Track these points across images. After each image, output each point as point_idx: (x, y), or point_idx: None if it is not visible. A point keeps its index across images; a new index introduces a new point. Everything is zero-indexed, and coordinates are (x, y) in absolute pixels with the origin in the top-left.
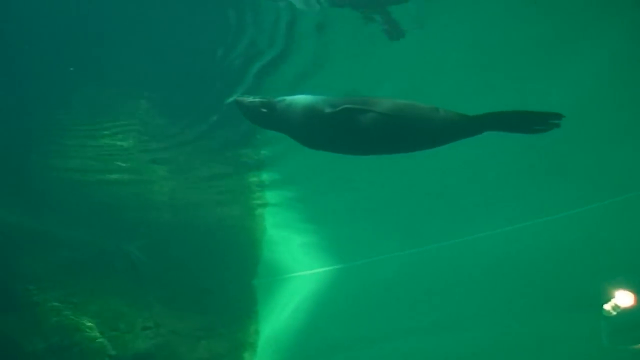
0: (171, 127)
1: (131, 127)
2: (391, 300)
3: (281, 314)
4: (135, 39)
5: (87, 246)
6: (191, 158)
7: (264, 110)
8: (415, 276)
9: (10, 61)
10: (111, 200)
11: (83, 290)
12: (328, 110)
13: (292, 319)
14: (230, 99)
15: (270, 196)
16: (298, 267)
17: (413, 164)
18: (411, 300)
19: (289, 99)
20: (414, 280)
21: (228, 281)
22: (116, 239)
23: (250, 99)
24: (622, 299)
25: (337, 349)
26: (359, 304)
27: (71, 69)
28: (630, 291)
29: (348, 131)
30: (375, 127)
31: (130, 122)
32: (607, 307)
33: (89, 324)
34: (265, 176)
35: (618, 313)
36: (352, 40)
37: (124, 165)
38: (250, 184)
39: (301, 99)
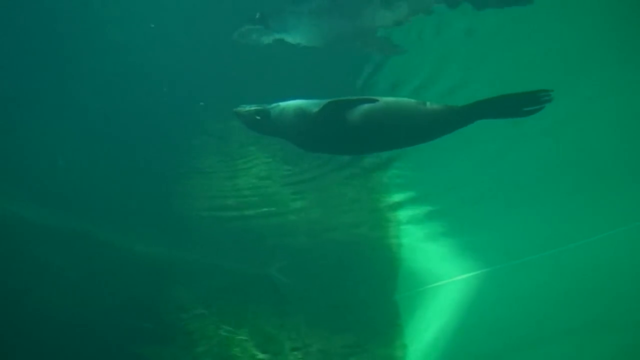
0: (307, 159)
1: (268, 163)
2: (542, 302)
3: (426, 325)
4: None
5: (231, 274)
6: (326, 185)
7: (258, 117)
8: (566, 275)
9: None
10: (251, 230)
11: (232, 316)
12: (316, 110)
13: (437, 329)
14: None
15: (405, 211)
16: (438, 277)
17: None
18: (565, 300)
19: (282, 104)
20: (566, 279)
21: (370, 298)
22: (258, 264)
23: (247, 108)
24: None
25: (489, 358)
26: (509, 308)
27: (201, 103)
28: None
29: (338, 129)
30: (363, 123)
31: (266, 158)
32: None
33: (240, 349)
34: (398, 195)
35: None
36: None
37: (260, 199)
38: (383, 202)
39: (293, 103)
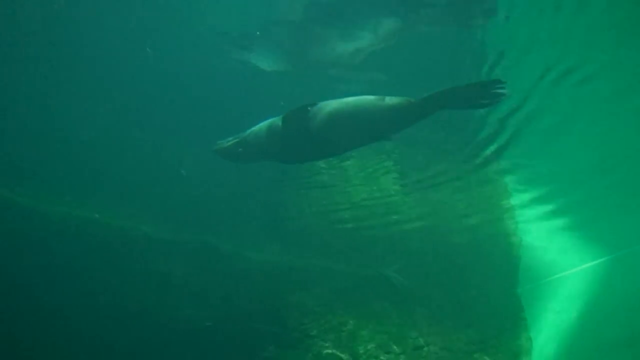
0: (423, 161)
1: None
2: None
3: (551, 317)
4: None
5: (350, 276)
6: (437, 182)
7: (240, 149)
8: None
9: None
10: (367, 235)
11: (353, 317)
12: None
13: (563, 320)
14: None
15: (520, 201)
16: (561, 267)
17: None
18: None
19: (254, 128)
20: None
21: (491, 292)
22: (375, 266)
23: (225, 143)
24: None
25: (618, 347)
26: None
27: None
28: None
29: (305, 136)
30: (327, 126)
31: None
32: None
33: (363, 350)
34: (512, 182)
35: None
36: None
37: (376, 206)
38: (498, 192)
39: (263, 123)
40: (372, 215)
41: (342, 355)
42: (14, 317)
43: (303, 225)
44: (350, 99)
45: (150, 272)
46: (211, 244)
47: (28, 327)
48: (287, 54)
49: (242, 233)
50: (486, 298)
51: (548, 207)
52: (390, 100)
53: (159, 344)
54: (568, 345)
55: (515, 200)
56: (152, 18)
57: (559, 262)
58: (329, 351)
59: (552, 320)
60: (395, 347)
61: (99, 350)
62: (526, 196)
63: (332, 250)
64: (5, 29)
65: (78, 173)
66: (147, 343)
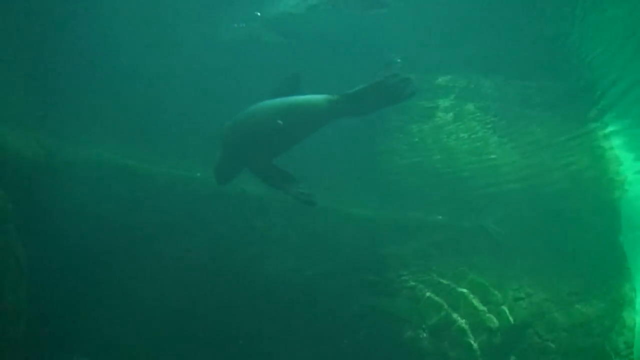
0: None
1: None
2: None
3: None
4: None
5: (446, 228)
6: (532, 124)
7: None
8: None
9: None
10: (461, 181)
11: (451, 270)
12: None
13: None
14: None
15: (621, 146)
16: None
17: None
18: None
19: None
20: None
21: (591, 242)
22: (473, 217)
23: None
24: None
25: None
26: None
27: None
28: None
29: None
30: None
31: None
32: None
33: (463, 301)
34: (613, 125)
35: None
36: None
37: (471, 154)
38: (597, 136)
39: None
40: (470, 167)
41: (441, 302)
42: (135, 272)
43: (399, 179)
44: (284, 98)
45: (250, 228)
46: None
47: (149, 280)
48: None
49: (340, 189)
50: (588, 247)
51: None
52: (315, 98)
53: (263, 296)
54: None
55: (620, 150)
56: None
57: None
58: (428, 295)
59: None
60: (495, 298)
61: (206, 304)
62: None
63: (429, 202)
64: None
65: (179, 136)
66: (249, 297)
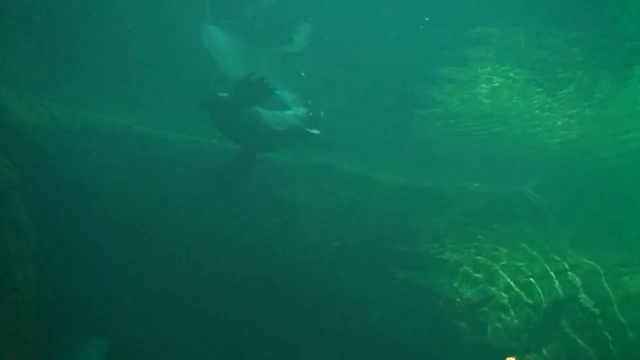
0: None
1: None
2: None
3: None
4: None
5: (483, 196)
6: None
7: None
8: None
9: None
10: (499, 150)
11: (488, 240)
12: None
13: None
14: None
15: None
16: None
17: None
18: None
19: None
20: None
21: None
22: (511, 183)
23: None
24: None
25: None
26: None
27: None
28: None
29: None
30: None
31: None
32: None
33: (501, 274)
34: None
35: None
36: None
37: (506, 109)
38: None
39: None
40: (508, 129)
41: (478, 275)
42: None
43: (434, 145)
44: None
45: (272, 197)
46: (333, 166)
47: (165, 255)
48: None
49: (368, 155)
50: (635, 216)
51: None
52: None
53: (284, 270)
54: None
55: None
56: None
57: None
58: (464, 270)
59: None
60: (537, 270)
61: (226, 280)
62: None
63: (465, 168)
64: None
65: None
66: (272, 270)
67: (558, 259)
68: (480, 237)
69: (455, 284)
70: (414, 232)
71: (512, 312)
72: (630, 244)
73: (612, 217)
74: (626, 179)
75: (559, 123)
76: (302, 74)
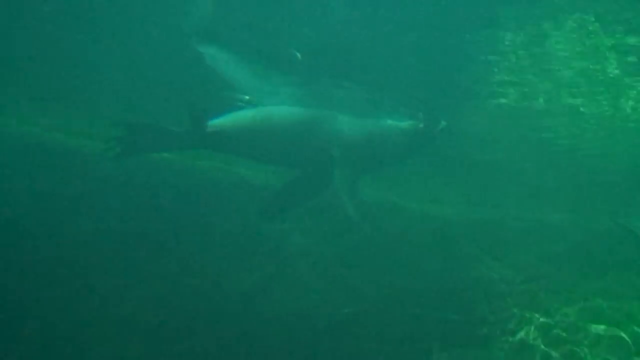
0: None
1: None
2: None
3: None
4: None
5: (570, 232)
6: None
7: None
8: None
9: None
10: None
11: (579, 299)
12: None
13: None
14: None
15: None
16: None
17: None
18: None
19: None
20: None
21: None
22: (612, 214)
23: None
24: None
25: None
26: None
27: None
28: None
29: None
30: None
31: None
32: None
33: (599, 351)
34: None
35: None
36: None
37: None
38: None
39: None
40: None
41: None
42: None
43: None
44: None
45: (254, 239)
46: None
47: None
48: None
49: (397, 174)
50: None
51: None
52: None
53: (270, 347)
54: None
55: None
56: None
57: None
58: (542, 346)
59: None
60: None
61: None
62: None
63: (543, 193)
64: None
65: None
66: (252, 348)
67: None
68: (567, 294)
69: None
70: (463, 289)
71: None
72: None
73: None
74: None
75: None
76: None
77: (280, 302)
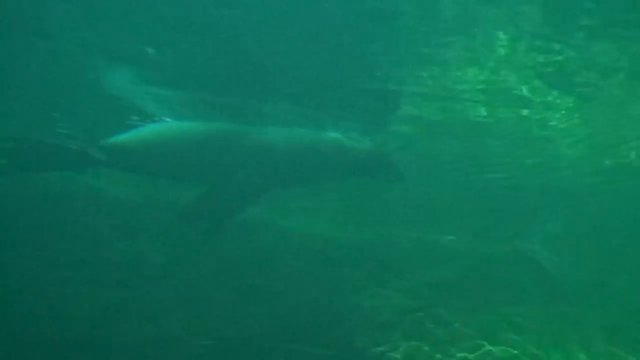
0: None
1: None
2: None
3: None
4: None
5: (465, 256)
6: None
7: None
8: None
9: None
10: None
11: (475, 325)
12: None
13: None
14: None
15: None
16: None
17: None
18: None
19: None
20: None
21: None
22: (511, 238)
23: None
24: None
25: None
26: None
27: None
28: None
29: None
30: None
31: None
32: None
33: None
34: None
35: None
36: None
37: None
38: None
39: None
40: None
41: None
42: None
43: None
44: None
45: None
46: None
47: None
48: None
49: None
50: None
51: None
52: None
53: None
54: None
55: None
56: None
57: None
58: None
59: None
60: None
61: None
62: None
63: (435, 212)
64: None
65: None
66: None
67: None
68: (457, 325)
69: None
70: (344, 319)
71: None
72: None
73: None
74: None
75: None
76: None
77: (132, 329)
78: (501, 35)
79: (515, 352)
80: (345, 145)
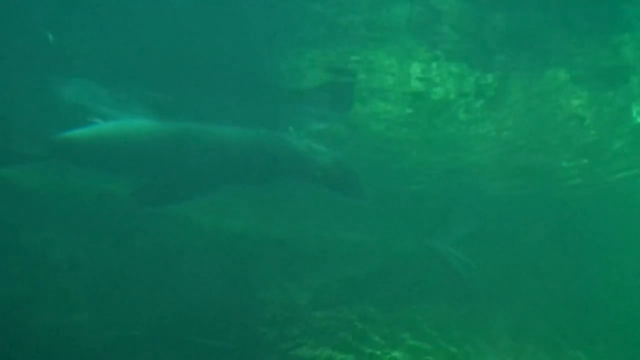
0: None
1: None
2: None
3: None
4: None
5: (372, 254)
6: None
7: None
8: None
9: None
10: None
11: (379, 328)
12: None
13: None
14: None
15: None
16: None
17: None
18: None
19: None
20: None
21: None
22: (421, 235)
23: None
24: None
25: None
26: None
27: None
28: None
29: None
30: None
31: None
32: None
33: None
34: None
35: None
36: None
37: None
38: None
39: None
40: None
41: None
42: None
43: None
44: None
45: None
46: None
47: None
48: None
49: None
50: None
51: None
52: None
53: None
54: None
55: None
56: None
57: None
58: None
59: None
60: None
61: None
62: None
63: (345, 209)
64: None
65: None
66: None
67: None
68: (367, 321)
69: None
70: (251, 314)
71: None
72: (604, 344)
73: (581, 294)
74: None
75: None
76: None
77: (37, 319)
78: None
79: (429, 347)
80: (300, 151)
